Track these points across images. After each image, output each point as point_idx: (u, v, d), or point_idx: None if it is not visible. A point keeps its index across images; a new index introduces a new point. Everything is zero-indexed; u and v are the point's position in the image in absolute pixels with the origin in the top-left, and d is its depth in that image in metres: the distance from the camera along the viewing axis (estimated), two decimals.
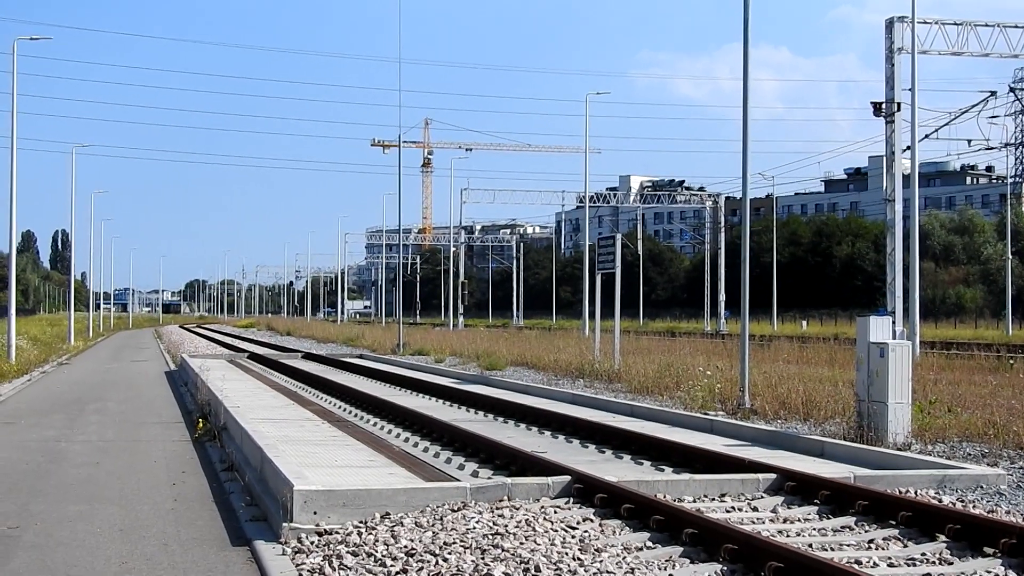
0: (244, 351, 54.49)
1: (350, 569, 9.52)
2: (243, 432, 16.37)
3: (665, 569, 9.42)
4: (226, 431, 18.52)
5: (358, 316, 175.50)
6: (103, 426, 21.95)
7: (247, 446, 15.47)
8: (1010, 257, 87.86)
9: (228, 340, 75.93)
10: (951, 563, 9.95)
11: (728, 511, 12.16)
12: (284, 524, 11.07)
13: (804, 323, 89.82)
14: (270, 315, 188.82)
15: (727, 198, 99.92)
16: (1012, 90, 50.11)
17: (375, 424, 21.00)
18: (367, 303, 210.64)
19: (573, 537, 10.38)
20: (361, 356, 50.74)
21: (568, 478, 12.98)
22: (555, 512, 11.63)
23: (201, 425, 20.53)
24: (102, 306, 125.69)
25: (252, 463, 14.64)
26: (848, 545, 10.60)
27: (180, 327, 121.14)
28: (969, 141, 46.23)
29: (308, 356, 50.01)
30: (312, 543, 10.53)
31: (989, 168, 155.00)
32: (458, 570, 9.12)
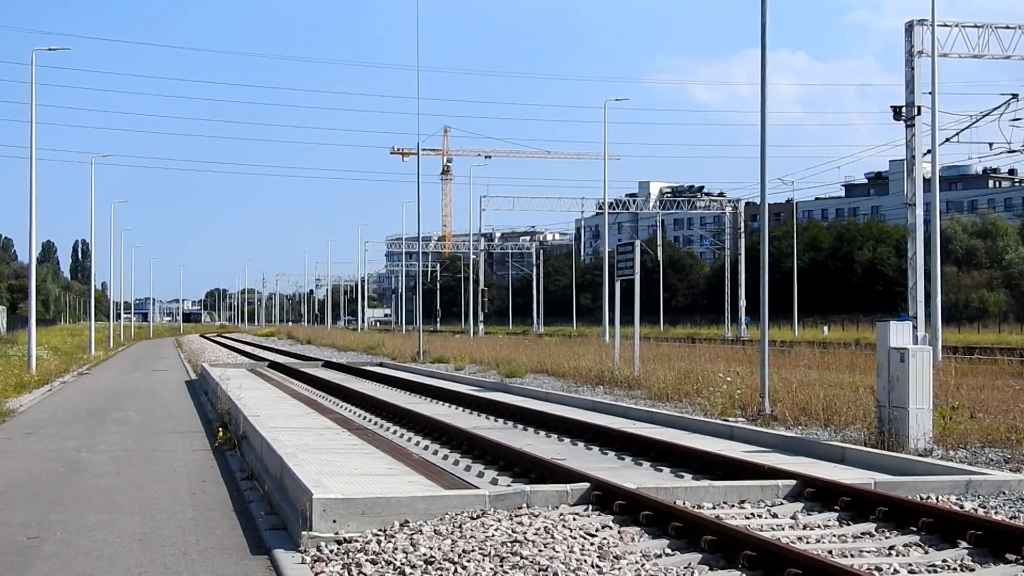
0: (264, 360, 54.50)
1: None
2: (263, 441, 16.41)
3: None
4: (246, 440, 18.58)
5: (378, 324, 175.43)
6: (124, 436, 22.04)
7: (267, 455, 15.52)
8: None
9: (248, 349, 76.01)
10: (972, 570, 9.95)
11: (748, 518, 12.16)
12: (303, 533, 11.11)
13: (825, 328, 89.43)
14: (290, 324, 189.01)
15: (747, 203, 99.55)
16: None
17: (395, 432, 21.04)
18: (387, 311, 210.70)
19: (592, 544, 10.40)
20: (381, 364, 50.76)
21: (587, 485, 12.99)
22: (574, 519, 11.63)
23: (221, 434, 20.60)
24: (122, 316, 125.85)
25: (272, 472, 14.69)
26: (868, 552, 10.60)
27: (200, 336, 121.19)
28: (991, 144, 46.05)
29: (328, 365, 50.06)
30: (331, 551, 10.57)
31: (1011, 171, 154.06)
32: None
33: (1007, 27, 39.27)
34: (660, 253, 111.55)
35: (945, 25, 37.86)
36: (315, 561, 10.33)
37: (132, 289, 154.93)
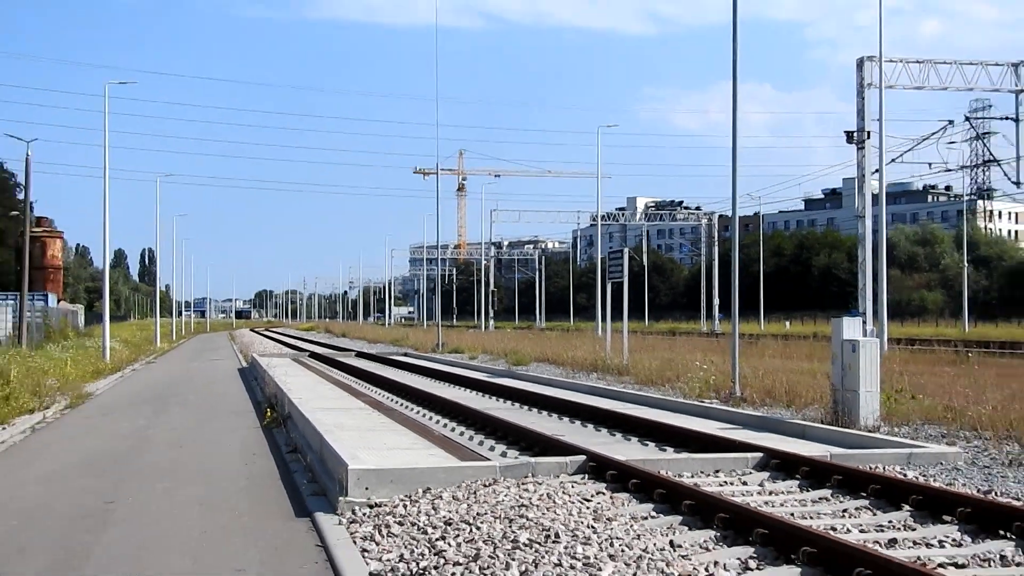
0: (305, 351, 54.60)
1: (396, 536, 9.52)
2: (305, 420, 16.41)
3: (667, 535, 9.38)
4: (290, 419, 18.55)
5: (403, 320, 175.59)
6: (185, 416, 22.04)
7: (308, 432, 15.49)
8: (966, 265, 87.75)
9: (291, 341, 76.11)
10: (914, 529, 9.91)
11: (721, 485, 12.14)
12: (340, 498, 11.10)
13: (787, 323, 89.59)
14: (327, 320, 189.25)
15: (720, 216, 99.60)
16: (967, 119, 49.96)
17: (418, 412, 21.01)
18: (411, 309, 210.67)
19: (588, 508, 10.35)
20: (406, 354, 50.78)
21: (583, 457, 12.99)
22: (572, 487, 11.61)
23: (269, 414, 20.56)
24: (183, 313, 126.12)
25: (313, 446, 14.66)
26: (825, 514, 10.56)
27: (250, 331, 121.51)
28: (930, 164, 46.19)
29: (360, 355, 50.08)
30: (364, 514, 10.56)
31: (948, 188, 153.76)
32: (489, 537, 9.10)
33: (944, 62, 39.31)
34: (645, 259, 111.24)
35: (891, 61, 37.88)
36: (350, 522, 10.32)
37: (191, 290, 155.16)
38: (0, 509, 11.59)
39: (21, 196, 68.35)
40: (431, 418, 19.89)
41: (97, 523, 10.79)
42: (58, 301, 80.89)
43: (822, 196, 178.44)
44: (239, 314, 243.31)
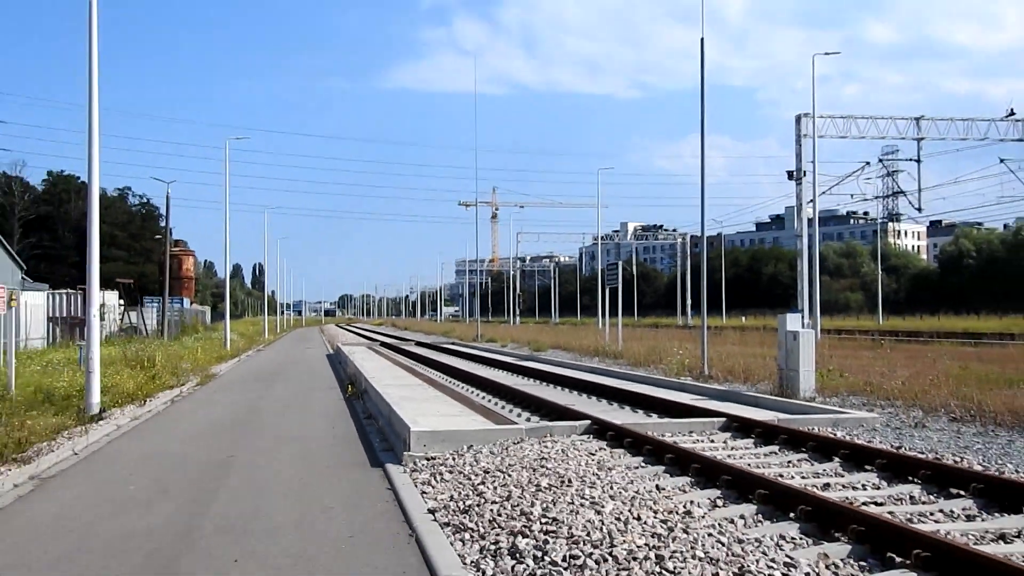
0: (377, 341, 54.67)
1: (447, 481, 9.55)
2: (377, 393, 16.48)
3: (653, 481, 9.38)
4: (366, 393, 18.62)
5: (450, 317, 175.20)
6: (286, 390, 22.14)
7: (379, 403, 15.55)
8: (880, 272, 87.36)
9: (366, 334, 76.25)
10: (843, 475, 9.90)
11: (695, 443, 12.12)
12: (404, 453, 11.15)
13: (743, 318, 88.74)
14: (393, 317, 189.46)
15: (691, 236, 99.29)
16: (880, 161, 49.85)
17: (462, 388, 21.03)
18: (456, 308, 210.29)
19: (593, 459, 10.35)
20: (452, 343, 50.81)
21: (589, 422, 13.03)
22: (581, 444, 11.61)
23: (350, 389, 20.64)
24: (284, 312, 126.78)
25: (383, 413, 14.72)
26: (774, 464, 10.55)
27: (335, 326, 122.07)
28: (852, 195, 46.35)
29: (419, 344, 50.15)
30: (422, 465, 10.60)
31: (865, 213, 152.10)
32: (518, 482, 9.12)
33: (862, 117, 39.02)
34: (634, 269, 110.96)
35: (822, 117, 37.63)
36: (412, 471, 10.35)
37: (290, 294, 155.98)
38: (152, 459, 11.73)
39: (163, 223, 68.79)
40: (472, 392, 19.93)
41: (221, 471, 10.87)
42: (190, 303, 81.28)
43: (769, 220, 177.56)
44: (327, 313, 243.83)
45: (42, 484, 10.20)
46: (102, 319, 39.80)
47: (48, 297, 43.99)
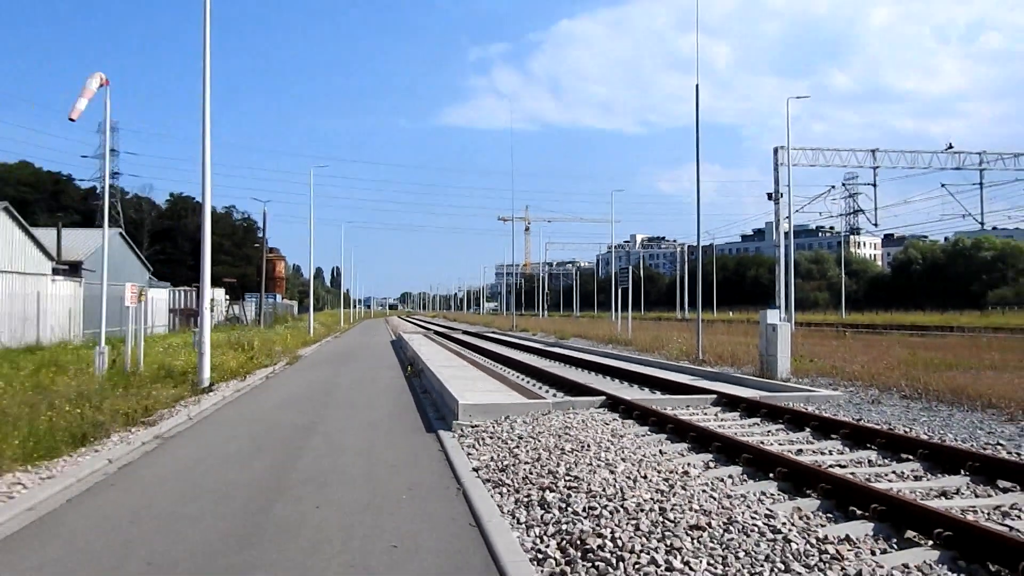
0: (430, 330, 54.72)
1: (488, 445, 9.51)
2: (431, 372, 16.50)
3: (657, 446, 9.31)
4: (422, 372, 18.62)
5: (491, 311, 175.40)
6: (358, 369, 22.21)
7: (434, 380, 15.55)
8: (844, 276, 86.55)
9: (422, 324, 76.32)
10: (812, 443, 9.76)
11: (691, 415, 11.99)
12: (453, 422, 11.13)
13: (731, 313, 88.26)
14: (444, 311, 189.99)
15: (688, 245, 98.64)
16: (844, 184, 49.40)
17: (500, 368, 20.96)
18: (495, 304, 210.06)
19: (608, 428, 10.29)
20: (492, 332, 50.77)
21: (604, 397, 12.94)
22: (598, 415, 11.56)
23: (410, 369, 20.64)
24: (356, 306, 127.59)
25: (436, 389, 14.72)
26: (756, 433, 10.42)
27: (397, 317, 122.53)
28: (820, 213, 46.46)
29: (465, 332, 50.18)
30: (468, 432, 10.54)
31: (831, 227, 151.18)
32: (546, 446, 9.07)
33: (828, 149, 38.53)
34: (641, 273, 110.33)
35: (795, 148, 37.16)
36: (459, 437, 10.29)
37: (361, 291, 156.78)
38: (250, 423, 11.79)
39: (261, 234, 69.41)
40: (508, 372, 19.86)
41: (306, 432, 10.90)
42: (282, 299, 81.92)
43: (752, 233, 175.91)
44: (390, 306, 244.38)
45: (164, 443, 10.30)
46: (212, 311, 40.25)
47: (169, 293, 44.51)
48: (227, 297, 53.76)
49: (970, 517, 6.32)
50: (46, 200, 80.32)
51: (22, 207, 39.01)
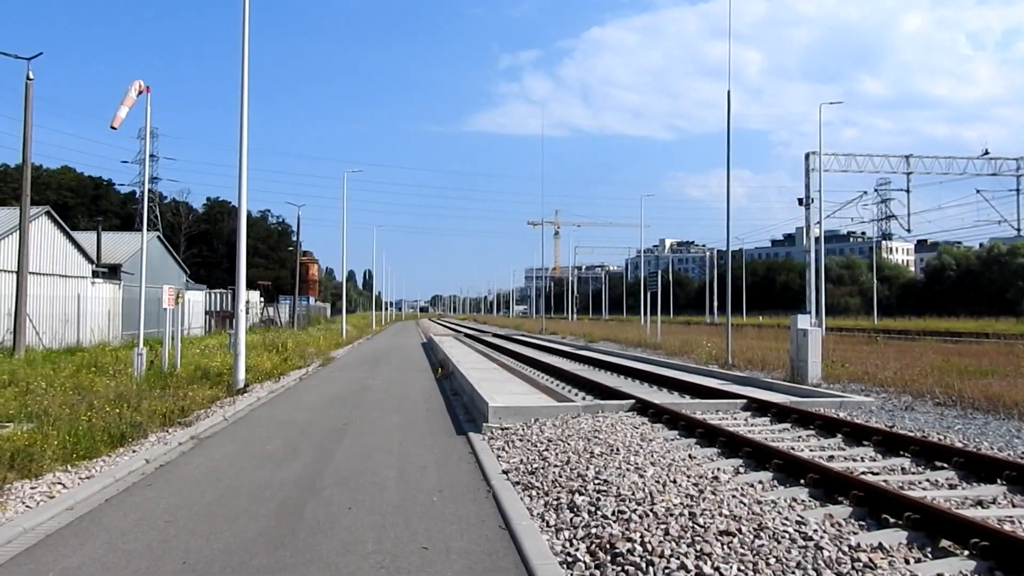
0: (461, 333, 54.84)
1: (518, 448, 9.50)
2: (462, 375, 16.51)
3: (687, 451, 9.22)
4: (452, 375, 18.66)
5: (520, 314, 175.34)
6: (389, 371, 22.30)
7: (464, 383, 15.56)
8: (875, 281, 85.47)
9: (452, 327, 76.42)
10: (844, 449, 9.61)
11: (720, 420, 11.86)
12: (484, 424, 11.13)
13: (761, 318, 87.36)
14: (474, 313, 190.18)
15: (717, 250, 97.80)
16: (876, 190, 48.99)
17: (530, 371, 20.91)
18: (525, 307, 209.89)
19: (637, 432, 10.22)
20: (522, 335, 50.71)
21: (633, 400, 12.84)
22: (627, 419, 11.47)
23: (440, 371, 20.69)
24: (388, 308, 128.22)
25: (466, 391, 14.73)
26: (787, 439, 10.29)
27: (428, 320, 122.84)
28: (852, 218, 45.72)
29: (495, 335, 50.18)
30: (498, 434, 10.54)
31: (863, 233, 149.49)
32: (575, 449, 9.04)
33: (860, 154, 38.02)
34: (670, 277, 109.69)
35: (827, 154, 36.83)
36: (490, 439, 10.31)
37: (393, 293, 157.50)
38: (284, 424, 11.88)
39: (295, 238, 70.07)
40: (538, 375, 19.82)
41: (338, 434, 10.96)
42: (315, 301, 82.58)
43: (782, 239, 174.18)
44: (421, 309, 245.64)
45: (200, 443, 10.42)
46: (247, 313, 40.66)
47: (206, 295, 45.05)
48: (261, 299, 54.34)
49: (1007, 527, 6.19)
50: (87, 204, 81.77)
51: (63, 211, 39.77)
